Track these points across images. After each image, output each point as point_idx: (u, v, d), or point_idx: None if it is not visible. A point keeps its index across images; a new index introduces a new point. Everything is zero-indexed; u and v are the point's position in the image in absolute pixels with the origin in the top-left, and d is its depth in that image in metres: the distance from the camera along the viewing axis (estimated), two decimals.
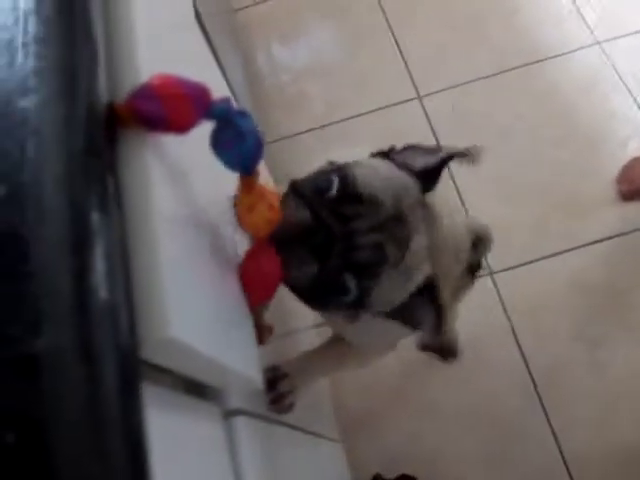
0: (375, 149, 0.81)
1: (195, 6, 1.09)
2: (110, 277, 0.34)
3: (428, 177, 0.73)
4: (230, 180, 0.57)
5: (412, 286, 0.69)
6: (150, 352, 0.37)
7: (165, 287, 0.37)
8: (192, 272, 0.45)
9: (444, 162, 0.74)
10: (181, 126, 0.45)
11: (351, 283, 0.67)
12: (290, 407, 0.88)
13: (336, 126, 2.17)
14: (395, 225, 0.67)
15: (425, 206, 0.72)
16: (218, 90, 0.52)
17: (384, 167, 0.75)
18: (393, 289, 0.69)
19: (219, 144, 0.52)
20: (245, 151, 0.52)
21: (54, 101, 0.37)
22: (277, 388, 0.86)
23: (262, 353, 0.67)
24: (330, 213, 0.66)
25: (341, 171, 0.71)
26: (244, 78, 2.00)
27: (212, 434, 0.56)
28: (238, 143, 0.51)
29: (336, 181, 0.69)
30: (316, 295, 0.71)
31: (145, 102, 0.42)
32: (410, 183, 0.72)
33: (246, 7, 2.51)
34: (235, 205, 0.57)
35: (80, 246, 0.33)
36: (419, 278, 0.69)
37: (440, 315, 0.70)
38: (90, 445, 0.30)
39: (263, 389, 0.81)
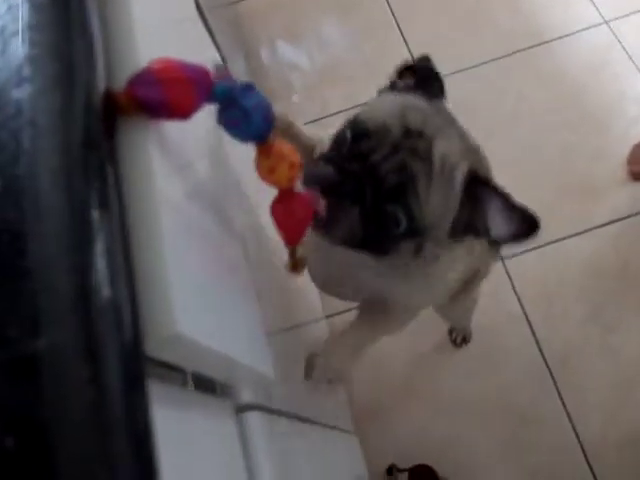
0: None
1: None
2: (112, 272, 0.32)
3: (429, 84, 0.76)
4: (237, 157, 0.56)
5: (456, 188, 0.69)
6: (157, 349, 0.36)
7: (170, 281, 0.36)
8: (199, 265, 0.44)
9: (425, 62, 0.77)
10: (184, 111, 0.44)
11: (397, 211, 0.67)
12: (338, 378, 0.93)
13: (344, 114, 2.14)
14: (409, 141, 0.68)
15: (441, 111, 0.74)
16: None
17: (385, 98, 0.78)
18: (439, 199, 0.68)
19: (226, 124, 0.51)
20: (254, 127, 0.51)
21: (50, 90, 0.35)
22: (312, 377, 0.89)
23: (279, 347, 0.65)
24: (349, 159, 0.68)
25: (349, 121, 0.73)
26: (247, 68, 1.99)
27: (224, 430, 0.55)
28: (245, 121, 0.51)
29: (348, 131, 0.71)
30: (373, 239, 0.71)
31: (145, 88, 0.40)
32: (412, 99, 0.74)
33: None
34: (255, 168, 0.58)
35: (79, 241, 0.32)
36: (459, 178, 0.69)
37: (503, 195, 0.70)
38: (95, 448, 0.29)
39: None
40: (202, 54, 0.88)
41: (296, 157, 0.57)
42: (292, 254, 0.70)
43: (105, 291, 0.32)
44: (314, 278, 0.98)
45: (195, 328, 0.37)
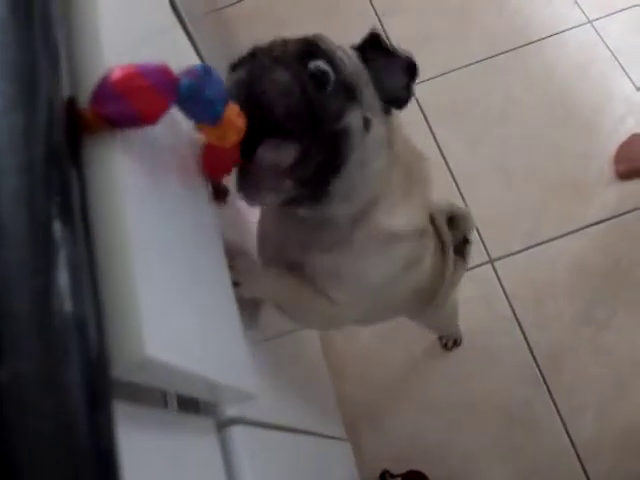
0: None
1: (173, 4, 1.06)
2: (76, 295, 0.31)
3: None
4: None
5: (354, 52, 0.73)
6: (126, 372, 0.35)
7: (139, 302, 0.35)
8: (171, 280, 0.43)
9: None
10: (152, 118, 0.43)
11: (319, 65, 0.69)
12: None
13: None
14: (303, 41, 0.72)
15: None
16: None
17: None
18: (346, 56, 0.72)
19: (190, 116, 0.52)
20: (217, 114, 0.53)
21: (10, 109, 0.34)
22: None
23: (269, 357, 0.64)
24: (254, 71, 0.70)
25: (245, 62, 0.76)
26: None
27: (205, 448, 0.54)
28: (209, 110, 0.52)
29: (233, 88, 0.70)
30: (314, 109, 0.69)
31: (110, 105, 0.39)
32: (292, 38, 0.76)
33: (232, 4, 2.48)
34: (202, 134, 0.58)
35: (42, 264, 0.31)
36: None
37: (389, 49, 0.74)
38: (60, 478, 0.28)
39: None
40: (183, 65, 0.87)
41: (243, 123, 0.57)
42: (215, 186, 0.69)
43: (68, 315, 0.31)
44: (265, 261, 0.89)
45: (166, 350, 0.36)
